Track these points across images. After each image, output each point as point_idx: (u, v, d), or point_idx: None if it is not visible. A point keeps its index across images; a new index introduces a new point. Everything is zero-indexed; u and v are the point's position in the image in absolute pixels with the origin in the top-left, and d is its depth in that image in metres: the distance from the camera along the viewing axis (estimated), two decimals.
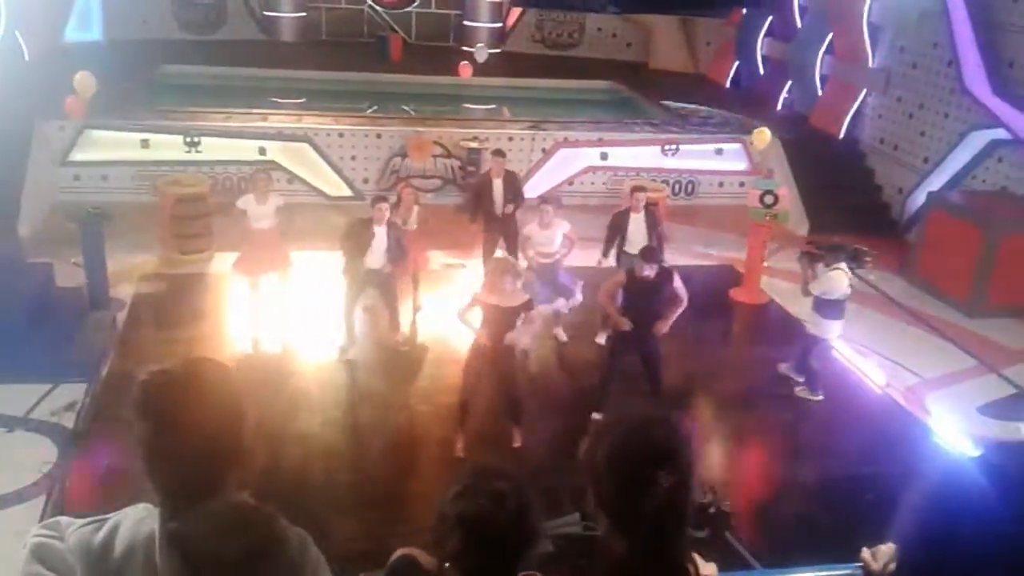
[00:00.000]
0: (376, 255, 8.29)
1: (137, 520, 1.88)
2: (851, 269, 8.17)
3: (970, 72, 11.75)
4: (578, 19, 20.18)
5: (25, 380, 7.48)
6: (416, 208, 9.17)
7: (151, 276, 10.02)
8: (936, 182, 12.48)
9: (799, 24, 16.25)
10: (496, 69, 17.35)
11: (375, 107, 15.45)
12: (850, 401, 8.48)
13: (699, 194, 13.93)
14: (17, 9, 13.75)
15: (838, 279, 8.00)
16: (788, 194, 11.15)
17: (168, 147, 12.34)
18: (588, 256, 9.41)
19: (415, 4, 19.85)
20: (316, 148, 12.79)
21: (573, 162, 13.51)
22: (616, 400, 7.30)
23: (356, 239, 8.27)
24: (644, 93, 16.63)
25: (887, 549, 2.39)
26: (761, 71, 17.36)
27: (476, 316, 6.93)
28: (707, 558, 2.15)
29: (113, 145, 12.23)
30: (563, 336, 9.21)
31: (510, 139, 13.06)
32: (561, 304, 8.95)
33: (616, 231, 9.13)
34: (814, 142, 14.25)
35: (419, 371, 8.61)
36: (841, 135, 14.47)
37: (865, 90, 14.26)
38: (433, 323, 9.33)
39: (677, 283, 7.38)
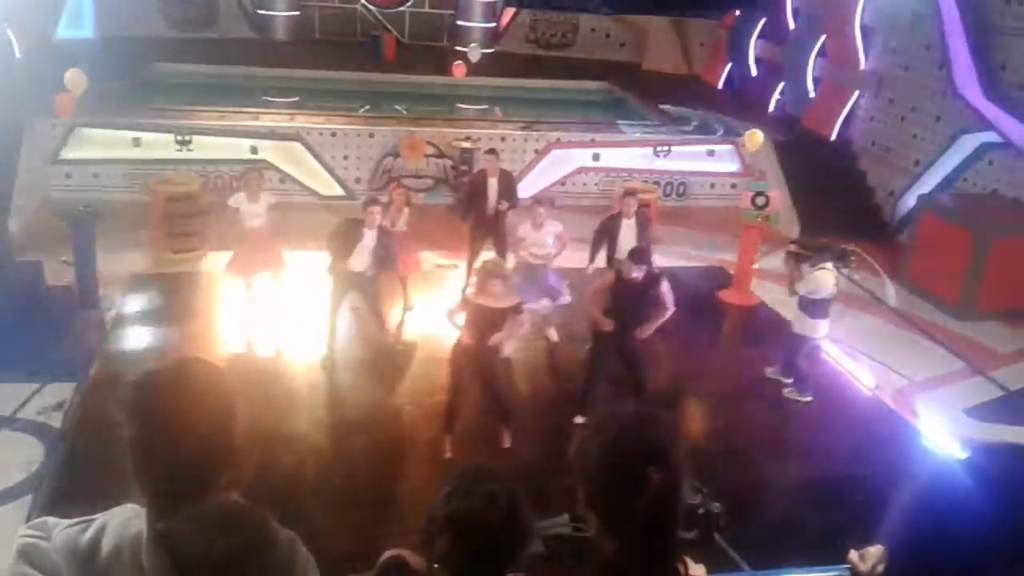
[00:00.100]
0: (361, 258, 8.11)
1: (124, 520, 1.87)
2: (837, 269, 8.22)
3: (962, 75, 11.78)
4: (572, 20, 20.22)
5: (13, 379, 7.44)
6: (406, 210, 9.14)
7: (142, 275, 9.97)
8: (927, 185, 12.52)
9: (792, 26, 16.29)
10: (489, 69, 17.37)
11: (368, 107, 15.45)
12: (839, 403, 8.51)
13: (690, 195, 13.95)
14: (8, 5, 13.67)
15: (824, 279, 8.04)
16: (780, 196, 11.18)
17: (159, 145, 12.30)
18: (579, 258, 9.39)
19: (408, 3, 19.85)
20: (308, 147, 12.76)
21: (565, 163, 13.51)
22: (602, 402, 7.29)
23: (343, 239, 8.15)
24: (637, 94, 16.65)
25: (875, 551, 2.39)
26: (754, 73, 17.40)
27: (463, 316, 6.91)
28: (695, 560, 2.15)
29: (104, 143, 12.18)
30: (555, 336, 9.20)
31: (503, 139, 13.06)
32: (547, 304, 8.90)
33: (605, 236, 9.01)
34: (806, 144, 14.26)
35: (409, 371, 8.58)
36: (833, 137, 14.50)
37: (857, 92, 14.29)
38: (423, 323, 9.31)
39: (664, 288, 7.34)
